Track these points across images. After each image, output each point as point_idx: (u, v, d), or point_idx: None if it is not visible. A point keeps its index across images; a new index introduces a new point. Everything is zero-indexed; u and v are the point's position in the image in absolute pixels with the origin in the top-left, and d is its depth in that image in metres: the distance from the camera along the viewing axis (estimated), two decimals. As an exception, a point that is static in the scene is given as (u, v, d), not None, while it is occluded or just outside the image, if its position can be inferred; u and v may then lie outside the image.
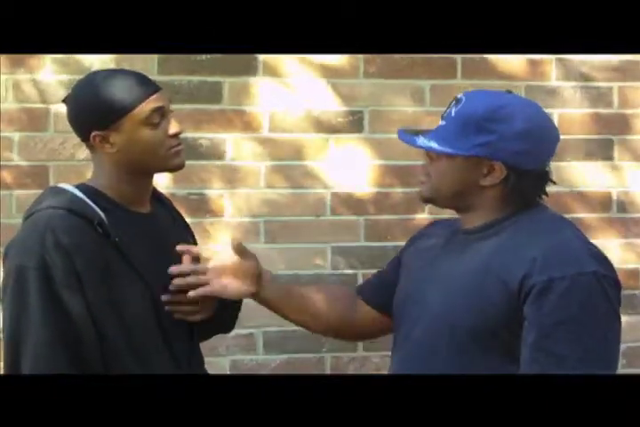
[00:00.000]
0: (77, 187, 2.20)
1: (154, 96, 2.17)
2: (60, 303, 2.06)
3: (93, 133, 2.16)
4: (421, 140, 2.11)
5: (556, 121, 3.85)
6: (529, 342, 1.97)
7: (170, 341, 2.18)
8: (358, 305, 2.36)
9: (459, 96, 2.12)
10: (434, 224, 2.37)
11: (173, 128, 2.19)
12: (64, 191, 2.18)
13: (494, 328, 2.01)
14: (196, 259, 2.32)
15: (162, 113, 2.18)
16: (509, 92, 2.16)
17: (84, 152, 3.50)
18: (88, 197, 2.16)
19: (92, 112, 2.15)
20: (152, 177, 2.26)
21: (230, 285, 2.24)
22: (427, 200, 2.19)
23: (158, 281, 2.18)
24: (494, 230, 2.10)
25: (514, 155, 2.05)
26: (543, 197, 2.16)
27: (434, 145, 2.08)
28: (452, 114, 2.10)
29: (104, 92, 2.15)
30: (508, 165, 2.06)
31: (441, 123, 2.13)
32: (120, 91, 2.15)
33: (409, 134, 2.17)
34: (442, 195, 2.13)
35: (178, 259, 2.26)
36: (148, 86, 2.18)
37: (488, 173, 2.08)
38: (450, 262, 2.14)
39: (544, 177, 2.13)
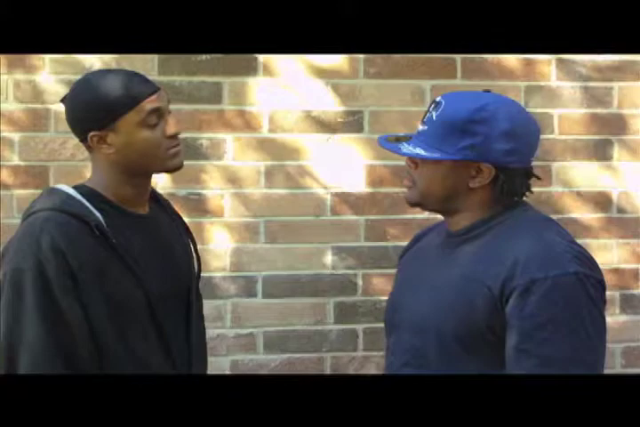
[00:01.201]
0: (75, 188, 2.19)
1: (152, 97, 2.15)
2: (55, 305, 2.05)
3: (91, 134, 2.15)
4: (406, 148, 2.08)
5: (555, 121, 3.86)
6: (512, 344, 1.97)
7: (166, 341, 2.17)
8: None
9: (437, 99, 2.10)
10: (429, 228, 2.35)
11: (171, 129, 2.17)
12: (61, 193, 2.17)
13: (480, 332, 2.00)
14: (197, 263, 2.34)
15: (160, 114, 2.16)
16: (488, 91, 2.15)
17: (84, 153, 3.50)
18: (85, 199, 2.15)
19: (90, 112, 2.14)
20: (150, 178, 2.25)
21: None
22: (414, 205, 2.16)
23: (155, 282, 2.17)
24: (479, 232, 2.09)
25: (500, 155, 2.04)
26: (530, 194, 2.15)
27: (420, 151, 2.06)
28: (434, 118, 2.07)
29: (101, 93, 2.13)
30: (495, 165, 2.05)
31: (422, 127, 2.09)
32: (118, 91, 2.13)
33: (391, 142, 2.14)
34: (430, 199, 2.11)
35: (175, 259, 2.26)
36: (146, 87, 2.16)
37: (476, 174, 2.06)
38: (436, 266, 2.13)
39: (529, 174, 2.12)
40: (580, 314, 1.97)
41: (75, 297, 2.06)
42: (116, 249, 2.11)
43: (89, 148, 2.19)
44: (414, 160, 2.09)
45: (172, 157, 2.18)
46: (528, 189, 2.12)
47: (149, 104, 2.14)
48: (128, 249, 2.13)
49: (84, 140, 2.18)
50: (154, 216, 2.28)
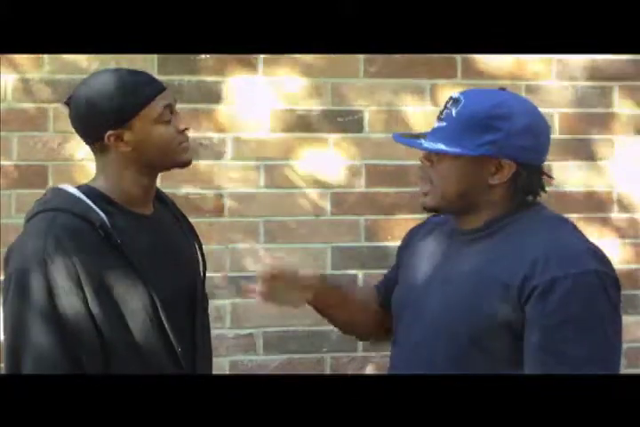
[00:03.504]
0: (79, 188, 2.18)
1: (162, 94, 2.18)
2: (60, 306, 2.04)
3: (109, 133, 2.14)
4: (427, 143, 2.07)
5: (556, 121, 3.86)
6: (533, 342, 1.96)
7: (171, 342, 2.17)
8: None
9: (455, 96, 2.10)
10: (430, 221, 2.35)
11: (183, 124, 2.20)
12: (66, 193, 2.16)
13: (494, 331, 2.00)
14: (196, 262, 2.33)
15: (171, 109, 2.19)
16: (503, 89, 2.15)
17: (83, 152, 3.50)
18: (90, 199, 2.14)
19: (106, 112, 2.13)
20: (157, 176, 2.25)
21: (282, 297, 2.25)
22: (432, 209, 2.15)
23: (160, 282, 2.16)
24: (493, 230, 2.09)
25: (521, 151, 2.05)
26: (542, 194, 2.15)
27: (442, 147, 2.06)
28: (453, 114, 2.07)
29: (114, 92, 2.14)
30: (516, 161, 2.05)
31: (440, 124, 2.09)
32: (130, 89, 2.14)
33: (408, 138, 2.14)
34: (448, 199, 2.09)
35: (180, 260, 2.26)
36: (155, 84, 2.19)
37: (496, 171, 2.06)
38: (449, 264, 2.12)
39: (543, 172, 2.13)
40: (600, 313, 1.98)
41: (80, 298, 2.05)
42: (120, 249, 2.11)
43: (99, 148, 2.18)
44: (430, 158, 2.09)
45: (183, 151, 2.21)
46: (542, 188, 2.13)
47: (162, 101, 2.17)
48: (132, 249, 2.13)
49: (97, 140, 2.17)
50: (158, 216, 2.28)
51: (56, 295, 2.04)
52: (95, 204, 2.14)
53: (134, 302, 2.12)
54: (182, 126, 2.20)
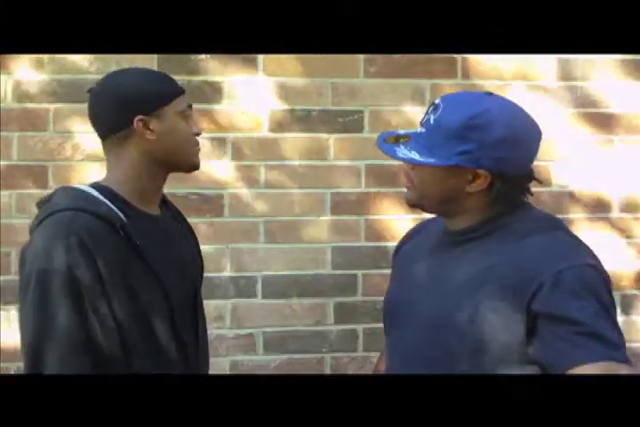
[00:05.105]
0: (93, 187, 2.17)
1: (184, 94, 2.23)
2: (84, 308, 2.03)
3: (138, 117, 2.14)
4: (402, 152, 2.07)
5: (555, 121, 3.86)
6: (558, 333, 1.94)
7: (182, 339, 2.19)
8: None
9: (436, 102, 2.08)
10: (420, 224, 2.35)
11: (197, 128, 2.24)
12: (82, 192, 2.15)
13: (493, 330, 2.00)
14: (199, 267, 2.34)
15: (190, 109, 2.23)
16: (489, 94, 2.13)
17: (83, 152, 3.50)
18: (107, 199, 2.14)
19: (140, 95, 2.15)
20: (166, 177, 2.26)
21: None
22: (413, 206, 2.16)
23: (172, 283, 2.17)
24: (485, 231, 2.08)
25: (496, 162, 2.03)
26: (541, 194, 2.15)
27: (415, 156, 2.05)
28: (431, 121, 2.05)
29: (149, 79, 2.19)
30: (492, 171, 2.04)
31: (420, 129, 2.08)
32: (162, 81, 2.20)
33: (389, 143, 2.13)
34: (428, 201, 2.10)
35: (185, 260, 2.27)
36: (178, 84, 2.25)
37: (473, 179, 2.05)
38: (442, 264, 2.12)
39: (528, 178, 2.11)
40: (606, 302, 1.99)
41: (102, 298, 2.05)
42: (138, 250, 2.11)
43: (124, 137, 2.17)
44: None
45: (196, 154, 2.24)
46: (528, 192, 2.12)
47: (186, 98, 2.22)
48: (148, 249, 2.13)
49: (123, 127, 2.16)
50: (165, 217, 2.29)
51: (79, 296, 2.03)
52: (111, 203, 2.14)
53: (151, 302, 2.13)
54: (197, 130, 2.24)
